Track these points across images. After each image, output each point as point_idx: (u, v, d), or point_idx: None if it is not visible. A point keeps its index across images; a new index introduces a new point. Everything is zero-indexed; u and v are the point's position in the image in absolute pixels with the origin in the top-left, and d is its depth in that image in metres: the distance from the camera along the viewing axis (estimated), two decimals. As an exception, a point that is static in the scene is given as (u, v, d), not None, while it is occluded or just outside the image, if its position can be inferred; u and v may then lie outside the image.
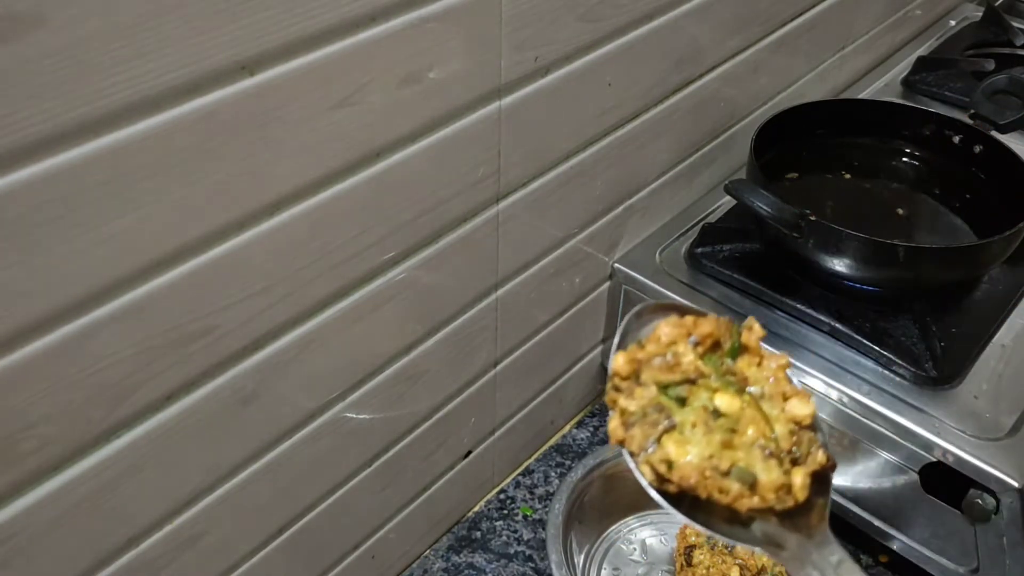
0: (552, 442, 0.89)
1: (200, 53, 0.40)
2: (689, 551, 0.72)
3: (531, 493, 0.84)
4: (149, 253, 0.43)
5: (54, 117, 0.36)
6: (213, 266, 0.46)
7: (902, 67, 1.13)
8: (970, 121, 0.92)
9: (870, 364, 0.72)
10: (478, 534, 0.81)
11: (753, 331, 0.45)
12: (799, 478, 0.41)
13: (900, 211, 0.85)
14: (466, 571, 0.77)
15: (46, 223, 0.38)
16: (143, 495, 0.49)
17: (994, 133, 0.88)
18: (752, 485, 0.41)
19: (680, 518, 0.42)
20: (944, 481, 0.67)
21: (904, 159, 0.90)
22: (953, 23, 1.25)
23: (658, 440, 0.41)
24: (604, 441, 0.89)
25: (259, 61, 0.43)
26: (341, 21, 0.45)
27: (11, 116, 0.35)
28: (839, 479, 0.74)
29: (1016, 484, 0.63)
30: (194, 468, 0.52)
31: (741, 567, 0.70)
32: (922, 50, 1.17)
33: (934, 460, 0.67)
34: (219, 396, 0.50)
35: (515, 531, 0.81)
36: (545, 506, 0.83)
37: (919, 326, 0.73)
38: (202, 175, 0.43)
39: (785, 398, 0.43)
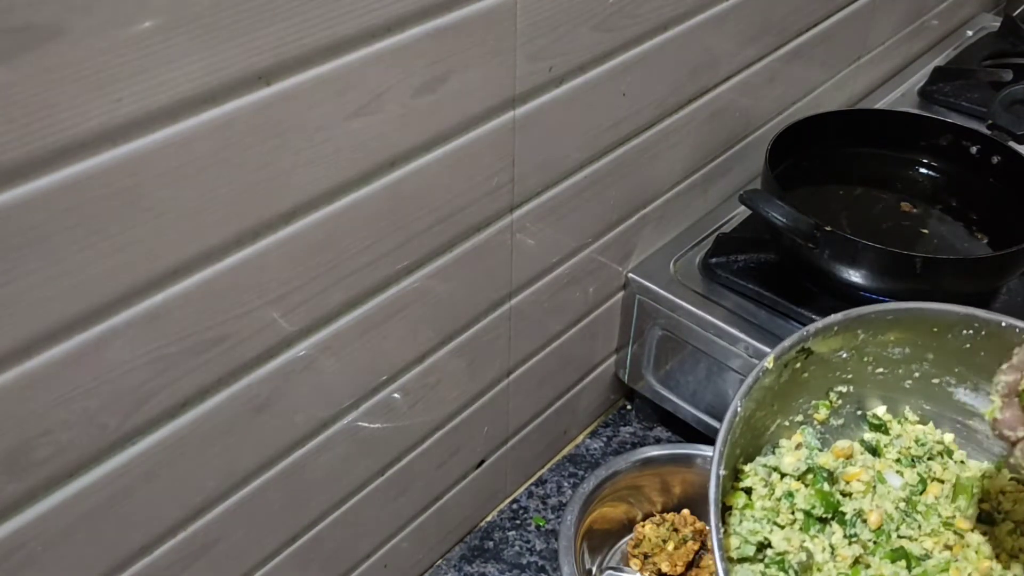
0: (565, 452, 0.89)
1: (217, 63, 0.40)
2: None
3: (544, 503, 0.84)
4: (165, 261, 0.43)
5: (72, 126, 0.37)
6: (228, 274, 0.46)
7: (919, 77, 1.13)
8: (988, 131, 0.91)
9: (886, 376, 0.71)
10: (490, 544, 0.81)
11: None
12: None
13: (916, 222, 0.84)
14: (478, 581, 0.77)
15: (63, 231, 0.38)
16: (157, 502, 0.50)
17: (1012, 144, 0.87)
18: None
19: None
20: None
21: (921, 169, 0.90)
22: (970, 33, 1.25)
23: None
24: (617, 451, 0.89)
25: (276, 71, 0.43)
26: (357, 31, 0.45)
27: (30, 126, 0.35)
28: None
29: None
30: (208, 475, 0.52)
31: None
32: (939, 60, 1.17)
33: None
34: (233, 404, 0.51)
35: (528, 541, 0.81)
36: (558, 516, 0.83)
37: (936, 338, 0.72)
38: (218, 184, 0.43)
39: None
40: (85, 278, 0.40)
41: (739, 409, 0.53)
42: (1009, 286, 0.78)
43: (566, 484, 0.86)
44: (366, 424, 0.61)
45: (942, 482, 0.60)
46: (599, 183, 0.70)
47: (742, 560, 0.55)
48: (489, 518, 0.83)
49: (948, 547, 0.57)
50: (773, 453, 0.60)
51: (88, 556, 0.47)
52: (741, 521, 0.57)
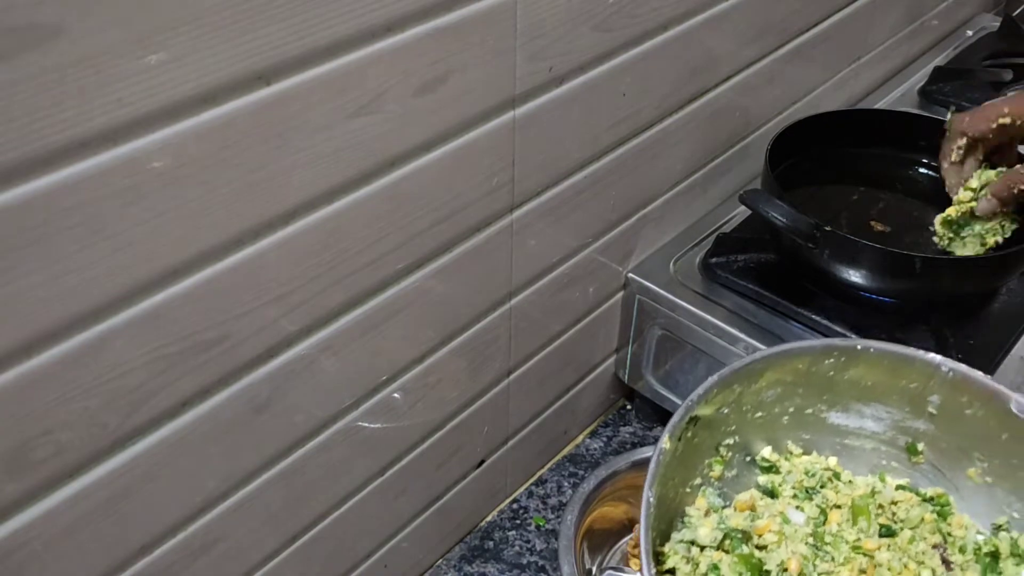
0: (565, 452, 0.89)
1: (217, 63, 0.40)
2: None
3: (544, 503, 0.84)
4: (165, 261, 0.43)
5: (73, 126, 0.37)
6: (228, 274, 0.46)
7: (919, 77, 1.13)
8: (988, 132, 0.91)
9: (886, 376, 0.71)
10: (491, 544, 0.81)
11: None
12: None
13: (916, 222, 0.84)
14: (478, 581, 0.77)
15: (64, 231, 0.38)
16: (157, 502, 0.50)
17: (1012, 144, 0.87)
18: None
19: None
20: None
21: (921, 169, 0.90)
22: (970, 33, 1.25)
23: None
24: (617, 451, 0.89)
25: (276, 71, 0.43)
26: (357, 31, 0.45)
27: (31, 125, 0.35)
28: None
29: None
30: (208, 475, 0.52)
31: None
32: (939, 60, 1.17)
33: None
34: (233, 404, 0.51)
35: (528, 541, 0.81)
36: (558, 516, 0.83)
37: (936, 338, 0.72)
38: (218, 184, 0.43)
39: None
40: (85, 278, 0.40)
41: (651, 499, 0.53)
42: (1009, 286, 0.79)
43: (566, 484, 0.86)
44: (366, 424, 0.61)
45: (839, 507, 0.62)
46: (599, 183, 0.70)
47: None
48: (489, 518, 0.83)
49: (863, 571, 0.58)
50: (684, 525, 0.61)
51: (88, 556, 0.47)
52: None
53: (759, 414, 0.63)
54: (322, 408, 0.57)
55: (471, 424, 0.73)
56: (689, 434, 0.58)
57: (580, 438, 0.91)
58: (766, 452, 0.65)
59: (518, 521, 0.82)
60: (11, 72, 0.34)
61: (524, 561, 0.79)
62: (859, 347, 0.60)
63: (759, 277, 0.79)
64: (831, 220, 0.78)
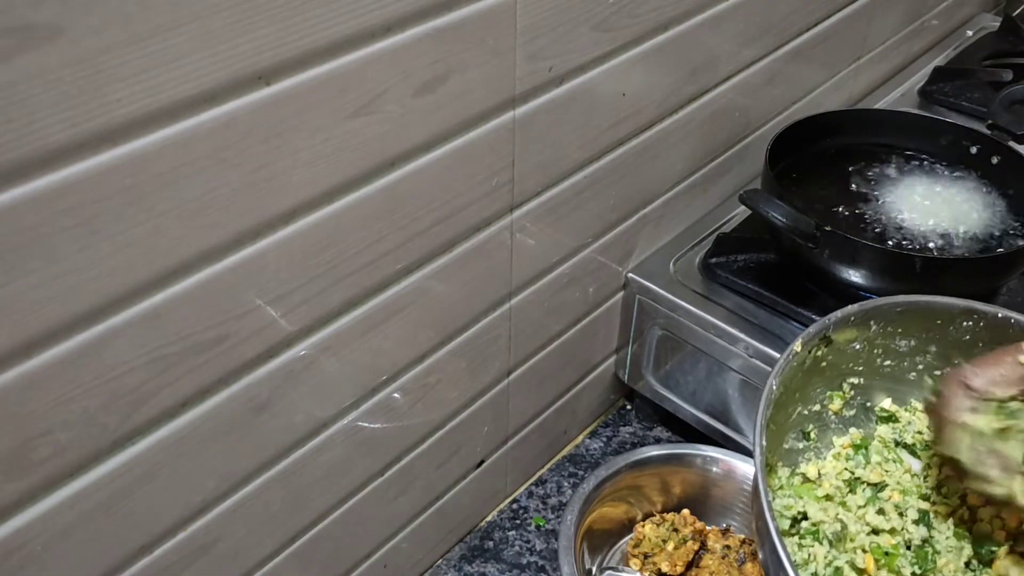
0: (565, 452, 0.89)
1: (217, 63, 0.40)
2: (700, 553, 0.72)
3: (544, 503, 0.84)
4: (165, 261, 0.43)
5: (73, 126, 0.37)
6: (228, 274, 0.46)
7: (919, 77, 1.13)
8: (987, 131, 0.91)
9: (886, 376, 0.71)
10: (490, 544, 0.81)
11: None
12: None
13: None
14: (478, 581, 0.77)
15: (64, 231, 0.38)
16: (157, 502, 0.50)
17: (1012, 143, 0.87)
18: None
19: None
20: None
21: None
22: (970, 33, 1.25)
23: None
24: (617, 451, 0.89)
25: (276, 71, 0.43)
26: (357, 31, 0.45)
27: (30, 125, 0.35)
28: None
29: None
30: (208, 475, 0.52)
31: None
32: (939, 60, 1.17)
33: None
34: (233, 404, 0.51)
35: (528, 541, 0.81)
36: (558, 516, 0.83)
37: (936, 338, 0.72)
38: (218, 184, 0.43)
39: None
40: (85, 278, 0.40)
41: (774, 387, 0.55)
42: (1009, 286, 0.78)
43: (566, 484, 0.86)
44: (366, 424, 0.61)
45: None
46: (599, 183, 0.70)
47: None
48: (489, 518, 0.83)
49: (963, 521, 0.59)
50: (803, 453, 0.62)
51: (88, 556, 0.47)
52: (774, 499, 0.58)
53: (888, 361, 0.63)
54: (322, 408, 0.57)
55: (471, 424, 0.73)
56: (819, 353, 0.59)
57: (580, 438, 0.91)
58: (886, 403, 0.64)
59: (518, 521, 0.82)
60: (11, 72, 0.34)
61: (524, 561, 0.79)
62: (1000, 315, 0.59)
63: (759, 277, 0.79)
64: (831, 220, 0.78)
